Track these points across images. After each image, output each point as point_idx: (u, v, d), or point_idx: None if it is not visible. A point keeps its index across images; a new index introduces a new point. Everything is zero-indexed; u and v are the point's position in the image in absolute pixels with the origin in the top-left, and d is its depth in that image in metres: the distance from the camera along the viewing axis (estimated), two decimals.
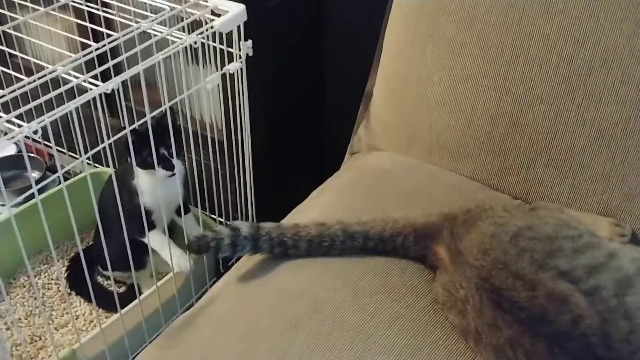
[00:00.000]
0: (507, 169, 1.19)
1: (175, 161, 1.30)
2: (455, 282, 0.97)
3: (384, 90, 1.35)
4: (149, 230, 1.31)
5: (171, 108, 1.19)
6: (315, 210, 1.21)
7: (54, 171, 1.87)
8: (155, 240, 1.36)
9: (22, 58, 1.28)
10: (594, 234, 0.99)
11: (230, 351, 0.98)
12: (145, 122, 1.15)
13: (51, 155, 1.93)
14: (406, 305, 1.00)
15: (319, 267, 1.07)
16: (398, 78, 1.31)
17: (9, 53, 1.35)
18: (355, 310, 0.99)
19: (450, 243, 1.01)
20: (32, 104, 1.00)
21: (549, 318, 0.86)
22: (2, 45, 1.33)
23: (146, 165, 1.30)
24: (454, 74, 1.21)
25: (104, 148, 1.09)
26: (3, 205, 1.75)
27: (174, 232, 1.45)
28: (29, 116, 0.98)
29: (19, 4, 1.37)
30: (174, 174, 1.31)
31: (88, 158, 1.05)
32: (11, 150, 1.96)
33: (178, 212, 1.47)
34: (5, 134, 0.95)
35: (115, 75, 1.06)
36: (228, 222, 1.15)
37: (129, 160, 1.25)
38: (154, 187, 1.35)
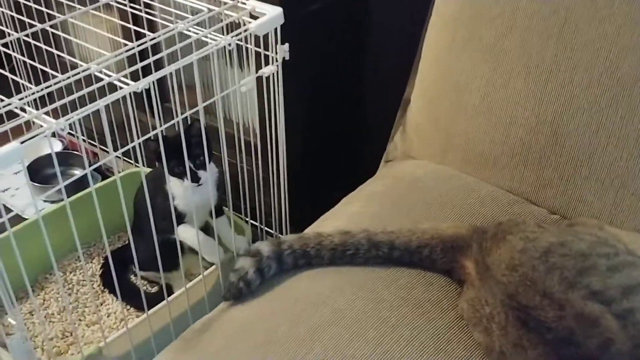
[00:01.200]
0: (546, 181, 1.14)
1: (202, 173, 1.31)
2: (482, 298, 0.93)
3: (421, 97, 1.31)
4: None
5: (197, 120, 1.19)
6: (343, 217, 1.19)
7: (98, 169, 1.89)
8: (186, 232, 1.37)
9: (68, 57, 1.30)
10: (633, 253, 0.94)
11: (245, 358, 0.96)
12: (176, 130, 1.15)
13: (95, 154, 1.96)
14: (429, 320, 0.96)
15: (341, 276, 1.05)
16: (435, 85, 1.27)
17: (55, 53, 1.38)
18: (376, 322, 0.96)
19: (478, 257, 0.97)
20: (58, 102, 1.01)
21: (576, 340, 0.81)
22: (50, 45, 1.36)
23: (173, 173, 1.32)
24: (492, 82, 1.17)
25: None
26: (46, 201, 1.78)
27: (206, 233, 1.45)
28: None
29: (67, 5, 1.40)
30: (200, 185, 1.31)
31: (127, 155, 1.05)
32: (57, 147, 2.01)
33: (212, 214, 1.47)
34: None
35: None
36: (246, 250, 1.14)
37: (158, 164, 1.26)
38: (185, 193, 1.35)
